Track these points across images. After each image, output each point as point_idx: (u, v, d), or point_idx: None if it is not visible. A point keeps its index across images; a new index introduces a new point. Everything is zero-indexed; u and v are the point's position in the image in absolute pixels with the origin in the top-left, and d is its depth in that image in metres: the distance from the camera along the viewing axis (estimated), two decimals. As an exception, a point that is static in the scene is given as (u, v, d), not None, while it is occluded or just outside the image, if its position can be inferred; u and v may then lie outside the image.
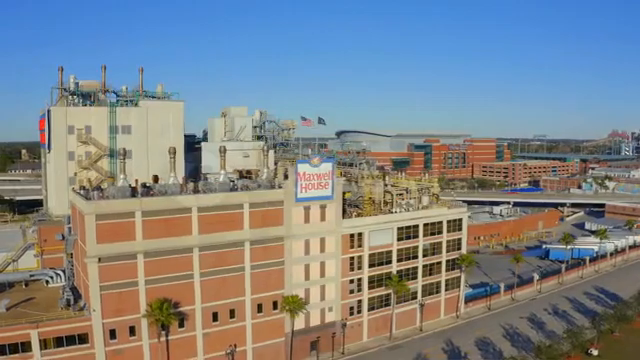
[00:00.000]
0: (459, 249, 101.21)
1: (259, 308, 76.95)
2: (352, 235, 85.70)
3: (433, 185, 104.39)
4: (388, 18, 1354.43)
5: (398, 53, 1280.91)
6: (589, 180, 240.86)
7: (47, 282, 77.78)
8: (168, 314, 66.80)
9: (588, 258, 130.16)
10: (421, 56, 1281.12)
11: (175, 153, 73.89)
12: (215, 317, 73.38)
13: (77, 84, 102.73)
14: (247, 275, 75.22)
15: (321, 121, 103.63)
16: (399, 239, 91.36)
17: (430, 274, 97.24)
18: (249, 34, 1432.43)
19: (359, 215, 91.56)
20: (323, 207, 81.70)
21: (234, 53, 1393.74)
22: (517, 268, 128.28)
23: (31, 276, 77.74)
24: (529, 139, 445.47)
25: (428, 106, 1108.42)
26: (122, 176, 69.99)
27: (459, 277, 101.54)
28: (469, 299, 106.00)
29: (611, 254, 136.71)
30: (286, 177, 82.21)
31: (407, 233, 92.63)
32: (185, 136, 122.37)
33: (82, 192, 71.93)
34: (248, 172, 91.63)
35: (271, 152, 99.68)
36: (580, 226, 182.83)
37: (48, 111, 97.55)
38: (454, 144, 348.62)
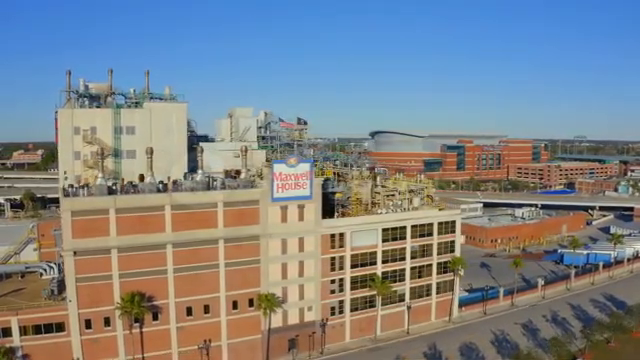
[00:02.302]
0: (452, 252, 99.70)
1: (234, 305, 78.90)
2: (333, 235, 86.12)
3: (427, 186, 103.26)
4: (419, 19, 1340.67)
5: (434, 54, 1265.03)
6: (623, 183, 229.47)
7: (41, 274, 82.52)
8: (139, 307, 69.85)
9: (602, 264, 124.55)
10: (460, 57, 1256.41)
11: (152, 153, 77.08)
12: (189, 312, 75.97)
13: (87, 87, 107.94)
14: (222, 272, 77.34)
15: (300, 122, 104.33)
16: (384, 240, 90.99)
17: (419, 276, 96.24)
18: (274, 36, 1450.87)
19: (347, 215, 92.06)
20: (301, 207, 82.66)
21: (255, 54, 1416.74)
22: (522, 272, 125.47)
23: (27, 268, 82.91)
24: (570, 140, 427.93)
25: (464, 107, 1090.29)
26: (100, 175, 73.74)
27: (452, 280, 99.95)
28: (465, 303, 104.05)
29: (628, 260, 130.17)
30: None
31: (393, 234, 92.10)
32: (197, 136, 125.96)
33: (70, 190, 76.27)
34: (237, 172, 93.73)
35: (257, 152, 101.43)
36: (606, 230, 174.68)
37: (56, 113, 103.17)
38: (488, 145, 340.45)
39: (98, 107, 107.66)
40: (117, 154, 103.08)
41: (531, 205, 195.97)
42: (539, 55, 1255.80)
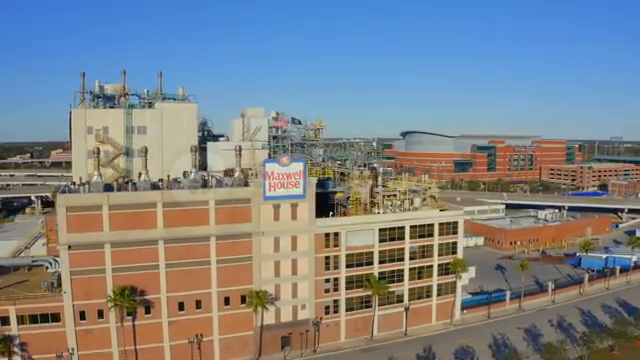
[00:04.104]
0: (454, 253, 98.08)
1: (226, 301, 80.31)
2: (327, 235, 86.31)
3: (430, 186, 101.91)
4: (451, 19, 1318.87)
5: (470, 54, 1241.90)
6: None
7: (47, 268, 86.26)
8: (130, 300, 72.20)
9: (618, 268, 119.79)
10: (496, 57, 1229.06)
11: (147, 152, 79.33)
12: (181, 307, 77.89)
13: (102, 87, 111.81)
14: (213, 268, 78.88)
15: (295, 121, 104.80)
16: (382, 240, 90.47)
17: (419, 278, 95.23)
18: (304, 36, 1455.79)
19: (347, 215, 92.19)
20: (294, 206, 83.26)
21: (284, 54, 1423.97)
22: (537, 275, 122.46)
23: (33, 262, 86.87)
24: (607, 141, 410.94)
25: (502, 108, 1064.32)
26: (96, 173, 76.59)
27: (454, 282, 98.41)
28: (468, 306, 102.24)
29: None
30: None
31: (391, 234, 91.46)
32: (213, 136, 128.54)
33: (73, 187, 79.65)
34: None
35: (261, 152, 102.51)
36: (633, 233, 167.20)
37: (70, 113, 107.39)
38: (520, 145, 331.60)
39: (112, 107, 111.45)
40: (129, 153, 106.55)
41: (556, 207, 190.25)
42: (580, 55, 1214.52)
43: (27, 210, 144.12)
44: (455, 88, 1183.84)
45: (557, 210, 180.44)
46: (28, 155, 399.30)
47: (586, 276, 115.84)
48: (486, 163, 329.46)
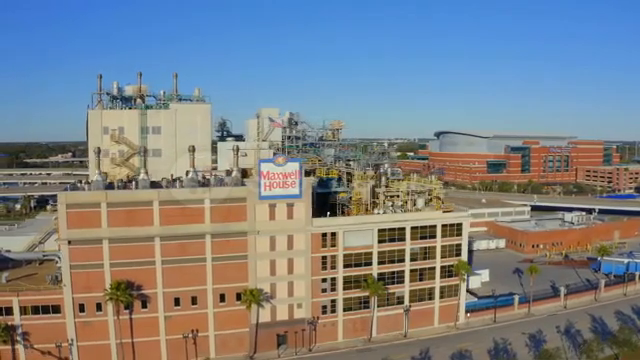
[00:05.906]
0: (458, 255, 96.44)
1: (222, 298, 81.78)
2: (324, 234, 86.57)
3: (435, 187, 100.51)
4: (483, 18, 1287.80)
5: (503, 55, 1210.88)
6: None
7: (56, 262, 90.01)
8: (126, 294, 74.73)
9: (638, 274, 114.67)
10: (538, 59, 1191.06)
11: (146, 152, 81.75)
12: (177, 302, 79.90)
13: (121, 89, 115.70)
14: (209, 266, 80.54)
15: (292, 122, 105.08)
16: (381, 241, 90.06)
17: (420, 279, 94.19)
18: (334, 39, 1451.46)
19: (350, 215, 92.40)
20: (290, 205, 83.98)
21: (314, 56, 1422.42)
22: (554, 280, 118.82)
23: (44, 256, 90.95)
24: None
25: (540, 110, 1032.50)
26: (97, 172, 79.62)
27: (457, 284, 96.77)
28: (473, 309, 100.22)
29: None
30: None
31: (391, 235, 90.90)
32: (232, 136, 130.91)
33: (79, 185, 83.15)
34: (243, 170, 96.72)
35: (266, 152, 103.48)
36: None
37: (87, 114, 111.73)
38: (555, 146, 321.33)
39: (130, 108, 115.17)
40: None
41: (587, 210, 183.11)
42: (624, 55, 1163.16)
43: (48, 207, 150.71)
44: (489, 89, 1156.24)
45: (584, 213, 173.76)
46: (70, 154, 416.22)
47: (602, 281, 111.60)
48: (520, 164, 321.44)
